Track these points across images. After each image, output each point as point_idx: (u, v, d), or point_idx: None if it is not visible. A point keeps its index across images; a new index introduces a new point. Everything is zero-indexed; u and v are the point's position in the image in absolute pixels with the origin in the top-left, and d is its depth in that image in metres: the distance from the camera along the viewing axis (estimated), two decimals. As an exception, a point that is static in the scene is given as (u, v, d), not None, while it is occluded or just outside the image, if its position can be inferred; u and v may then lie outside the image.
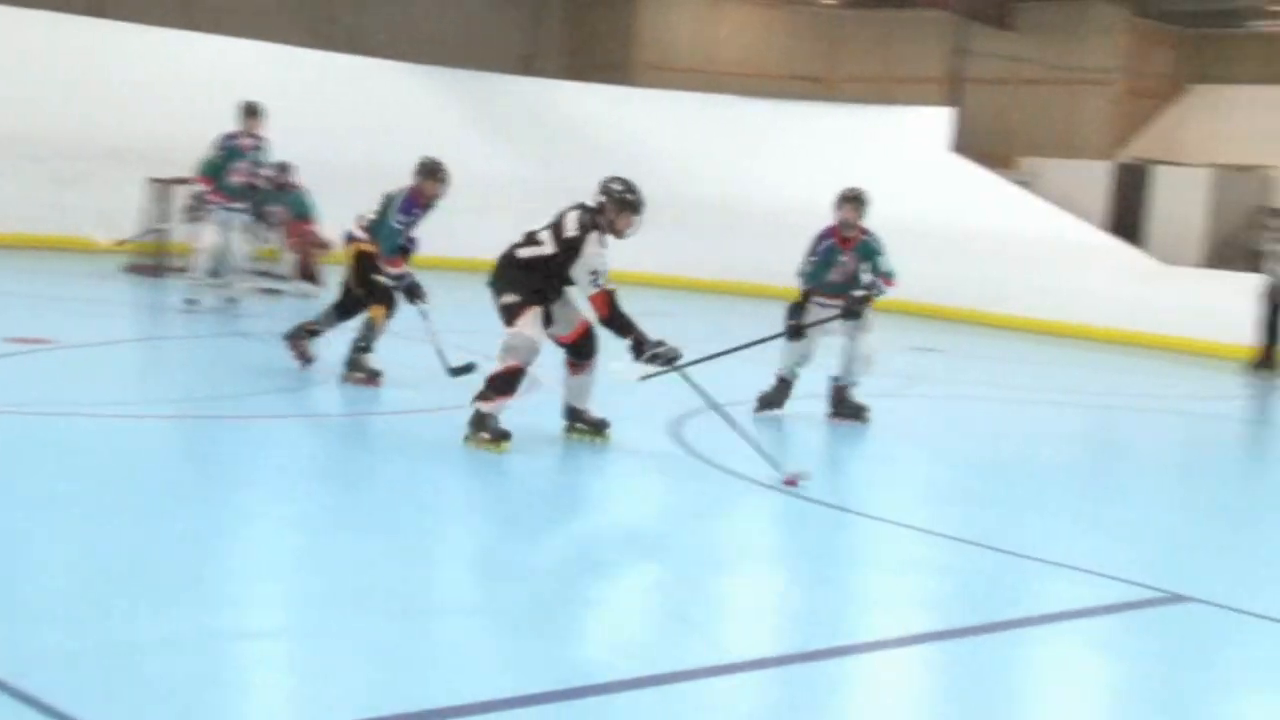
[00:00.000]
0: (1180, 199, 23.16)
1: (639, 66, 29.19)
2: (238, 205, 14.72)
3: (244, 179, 14.59)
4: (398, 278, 10.50)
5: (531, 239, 9.05)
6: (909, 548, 7.61)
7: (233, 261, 15.01)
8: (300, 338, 11.12)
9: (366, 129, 22.82)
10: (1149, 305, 20.71)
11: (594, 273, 8.80)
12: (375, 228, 10.60)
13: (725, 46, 29.85)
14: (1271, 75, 26.86)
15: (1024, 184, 23.70)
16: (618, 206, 9.03)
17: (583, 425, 9.34)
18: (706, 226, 23.98)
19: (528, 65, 28.76)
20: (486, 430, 8.78)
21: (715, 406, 8.86)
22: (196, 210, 14.97)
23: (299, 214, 17.13)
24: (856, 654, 5.69)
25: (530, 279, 8.97)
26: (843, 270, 10.92)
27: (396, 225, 10.45)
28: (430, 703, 4.66)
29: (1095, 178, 24.25)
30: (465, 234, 22.84)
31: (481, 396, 8.86)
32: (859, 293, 10.82)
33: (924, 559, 7.37)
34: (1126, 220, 23.31)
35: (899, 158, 23.74)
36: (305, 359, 11.11)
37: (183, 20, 24.10)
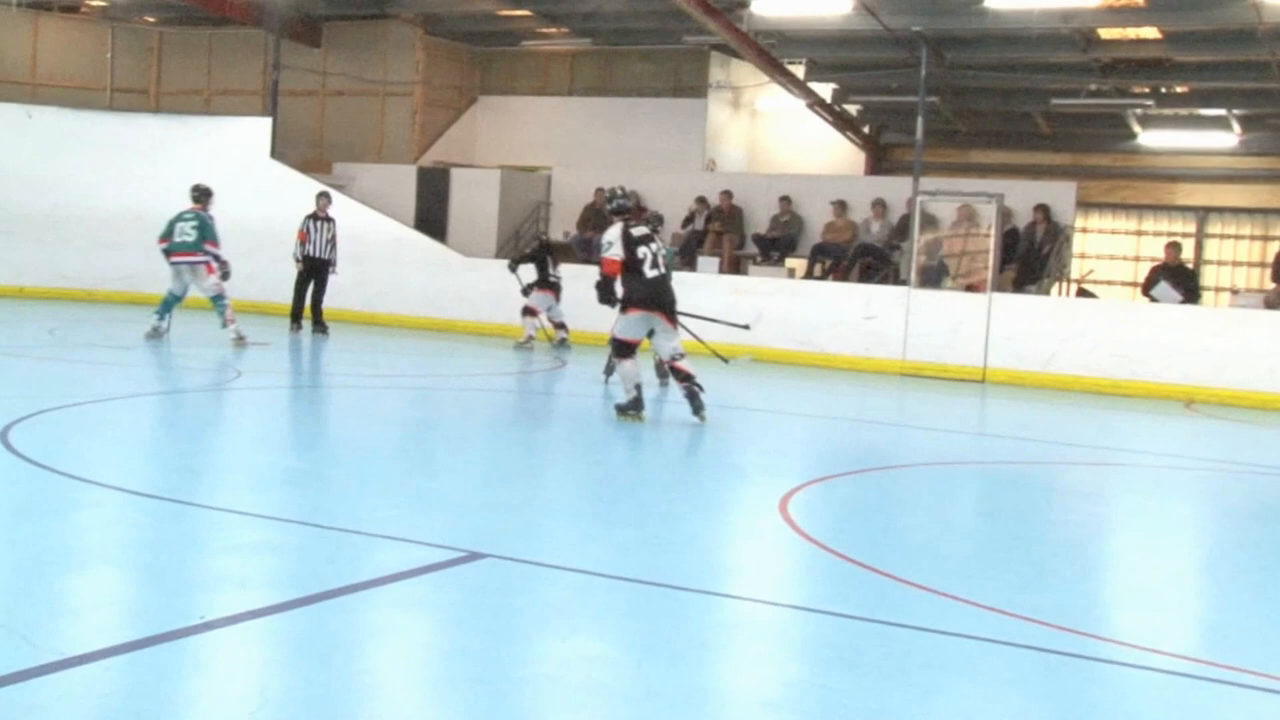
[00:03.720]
0: (475, 197, 23.98)
1: (-48, 77, 27.20)
2: None
3: None
4: None
5: None
6: (237, 532, 7.42)
7: None
8: None
9: None
10: (454, 293, 21.34)
11: None
12: None
13: (47, 60, 28.25)
14: (544, 87, 28.24)
15: (339, 187, 23.84)
16: None
17: None
18: (32, 236, 22.89)
19: None
20: None
21: None
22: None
23: None
24: (183, 638, 5.44)
25: None
26: None
27: None
28: None
29: (402, 180, 24.75)
30: None
31: None
32: None
33: (250, 541, 7.21)
34: (431, 217, 23.91)
35: (223, 165, 23.37)
36: None
37: None
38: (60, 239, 23.11)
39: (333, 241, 19.86)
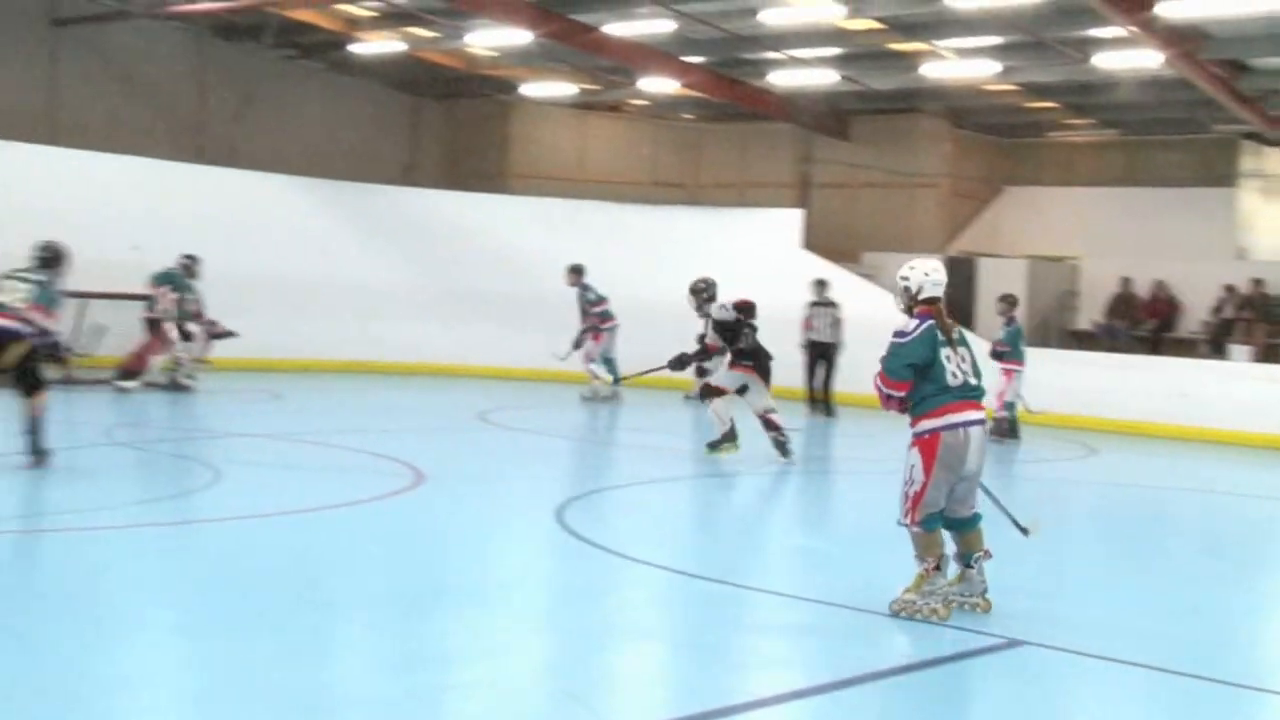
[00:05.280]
0: (1002, 286, 23.65)
1: (513, 176, 29.23)
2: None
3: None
4: None
5: None
6: (775, 613, 7.66)
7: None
8: None
9: (248, 240, 22.28)
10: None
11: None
12: None
13: (594, 156, 30.04)
14: (1070, 178, 27.78)
15: (867, 276, 24.15)
16: None
17: None
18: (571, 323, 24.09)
19: (408, 176, 28.68)
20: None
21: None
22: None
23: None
24: (733, 715, 5.62)
25: None
26: None
27: None
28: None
29: (930, 269, 24.72)
30: (357, 337, 22.88)
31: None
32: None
33: (788, 622, 7.44)
34: (959, 306, 23.78)
35: (756, 255, 24.06)
36: None
37: (46, 136, 22.70)
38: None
39: (837, 324, 20.13)
